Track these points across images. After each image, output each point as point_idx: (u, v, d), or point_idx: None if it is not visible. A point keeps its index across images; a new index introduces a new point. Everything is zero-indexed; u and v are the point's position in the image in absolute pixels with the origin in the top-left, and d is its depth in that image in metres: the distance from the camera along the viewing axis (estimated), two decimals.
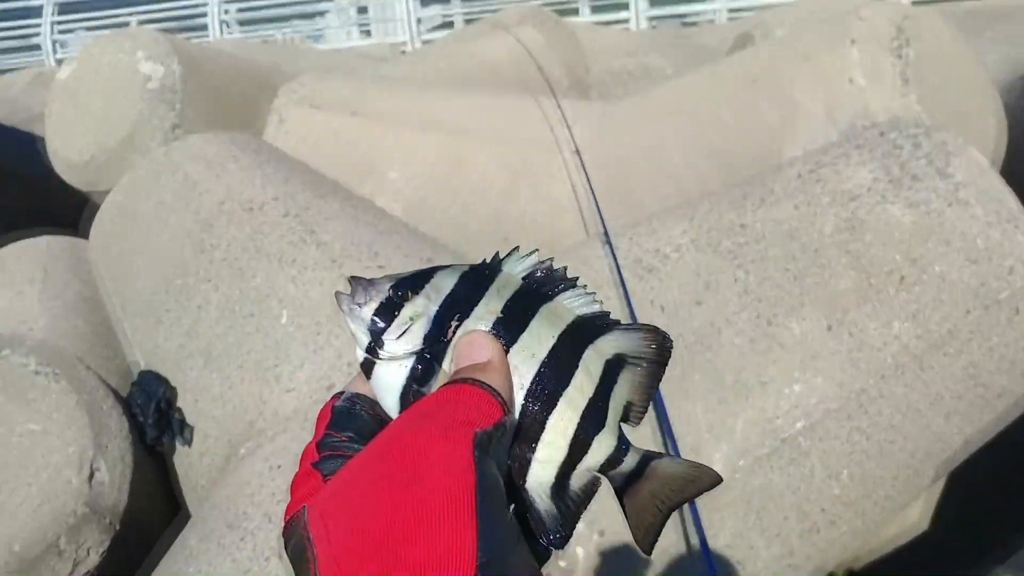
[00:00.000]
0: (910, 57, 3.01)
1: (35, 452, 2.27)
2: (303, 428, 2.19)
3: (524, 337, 0.56)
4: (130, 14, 12.26)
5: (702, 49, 6.21)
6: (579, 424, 0.56)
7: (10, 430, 2.29)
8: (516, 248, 0.59)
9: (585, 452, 0.56)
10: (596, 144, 3.14)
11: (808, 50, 3.08)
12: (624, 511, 0.58)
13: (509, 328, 0.56)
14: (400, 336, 0.55)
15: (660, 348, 0.58)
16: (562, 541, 0.55)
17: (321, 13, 13.60)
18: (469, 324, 0.56)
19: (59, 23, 12.05)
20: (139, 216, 2.83)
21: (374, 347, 0.56)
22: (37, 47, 11.96)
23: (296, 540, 0.50)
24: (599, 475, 0.57)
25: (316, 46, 11.62)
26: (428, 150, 3.28)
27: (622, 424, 0.59)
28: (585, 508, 0.57)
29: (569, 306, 0.57)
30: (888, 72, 2.94)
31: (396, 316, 0.55)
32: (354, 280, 0.57)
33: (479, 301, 0.56)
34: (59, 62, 11.41)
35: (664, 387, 1.92)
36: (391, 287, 0.56)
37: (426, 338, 0.55)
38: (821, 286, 2.01)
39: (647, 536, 0.58)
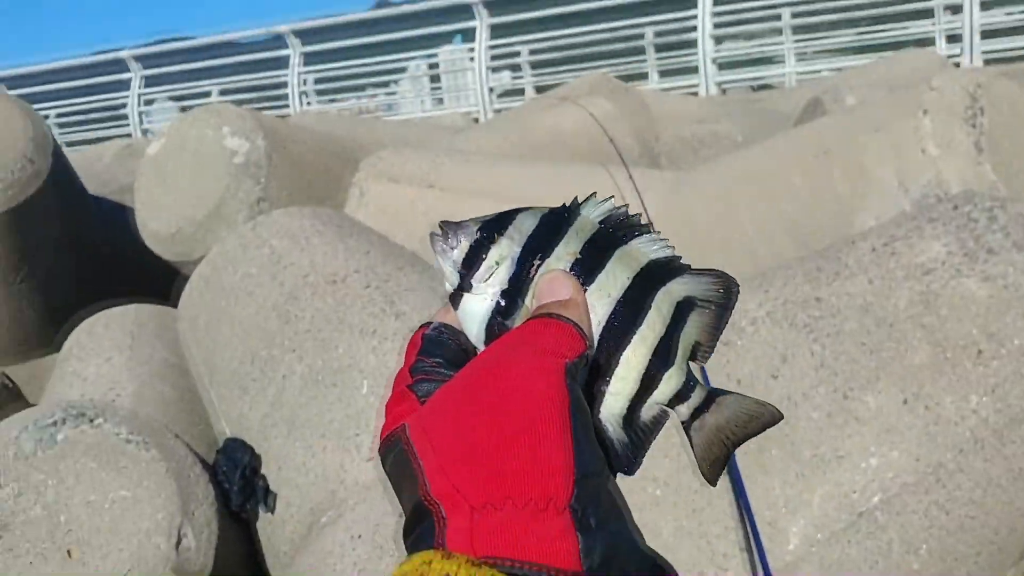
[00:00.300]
0: (984, 126, 3.01)
1: (126, 518, 2.35)
2: (383, 498, 2.24)
3: (601, 277, 0.59)
4: (212, 85, 12.72)
5: (772, 114, 6.25)
6: (650, 360, 0.59)
7: (103, 496, 2.37)
8: (594, 193, 0.63)
9: (654, 386, 0.60)
10: (667, 213, 3.19)
11: (880, 120, 3.11)
12: (691, 443, 0.61)
13: (587, 269, 0.59)
14: (487, 276, 0.60)
15: (727, 292, 0.61)
16: (632, 468, 0.59)
17: (395, 81, 13.94)
18: (550, 263, 0.59)
19: (145, 95, 12.53)
20: (226, 288, 2.94)
21: (462, 284, 0.60)
22: (124, 117, 12.44)
23: (397, 455, 0.53)
24: (667, 408, 0.61)
25: (391, 116, 11.90)
26: None
27: (690, 362, 0.61)
28: (654, 438, 0.60)
29: (643, 250, 0.61)
30: (962, 141, 2.95)
31: (484, 257, 0.60)
32: (445, 224, 0.62)
33: (559, 242, 0.60)
34: (145, 132, 11.86)
35: (741, 461, 1.95)
36: (478, 230, 0.61)
37: (510, 276, 0.60)
38: (896, 360, 2.01)
39: (712, 468, 0.61)
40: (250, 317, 2.79)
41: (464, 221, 0.62)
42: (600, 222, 0.61)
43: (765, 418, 0.61)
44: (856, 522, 1.94)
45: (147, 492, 2.39)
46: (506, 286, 0.60)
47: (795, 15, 10.80)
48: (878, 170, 2.98)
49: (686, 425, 0.61)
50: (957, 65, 8.45)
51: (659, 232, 0.62)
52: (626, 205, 0.62)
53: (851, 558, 1.94)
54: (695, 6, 9.61)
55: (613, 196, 0.63)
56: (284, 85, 11.34)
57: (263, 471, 2.60)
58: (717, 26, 9.88)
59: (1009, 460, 1.98)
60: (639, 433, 0.59)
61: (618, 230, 0.61)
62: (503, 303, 0.59)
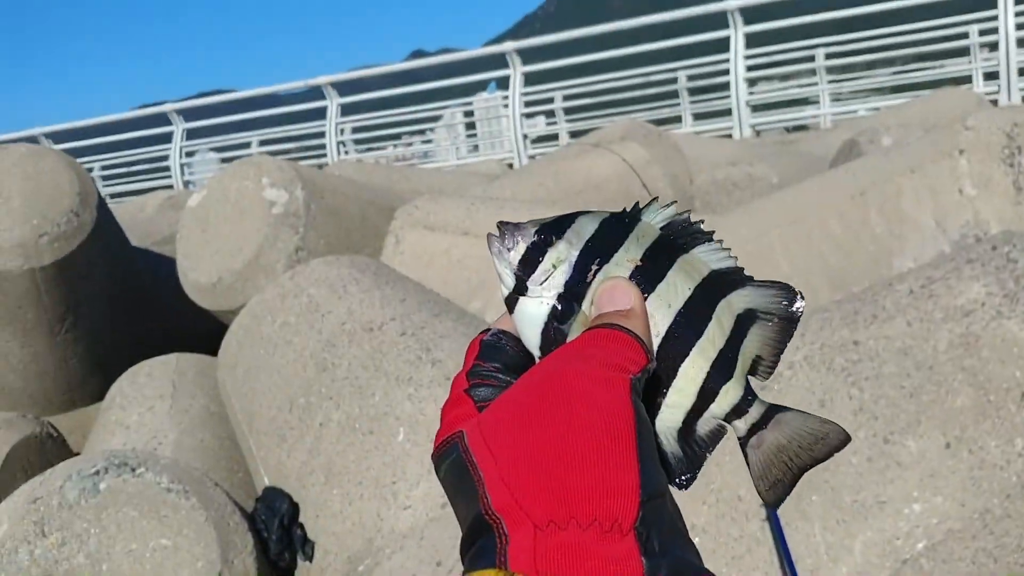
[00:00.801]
0: (1022, 165, 2.99)
1: (167, 566, 2.36)
2: (419, 546, 2.24)
3: (661, 287, 0.58)
4: (251, 136, 12.94)
5: (807, 156, 6.24)
6: (708, 373, 0.58)
7: (144, 545, 2.39)
8: (655, 198, 0.61)
9: (712, 400, 0.58)
10: None
11: (916, 161, 3.09)
12: (747, 461, 0.60)
13: (647, 277, 0.58)
14: (544, 279, 0.59)
15: (791, 305, 0.59)
16: (687, 483, 0.57)
17: (431, 129, 14.11)
18: (610, 270, 0.58)
19: (186, 147, 12.77)
20: (265, 337, 2.97)
21: (519, 287, 0.59)
22: (167, 169, 12.67)
23: (454, 461, 0.51)
24: (724, 423, 0.59)
25: (427, 163, 12.03)
26: None
27: (750, 377, 0.60)
28: (710, 453, 0.58)
29: (704, 259, 0.59)
30: (999, 181, 2.92)
31: (541, 260, 0.59)
32: (503, 224, 0.61)
33: (619, 248, 0.59)
34: (187, 183, 12.06)
35: (781, 509, 1.92)
36: (536, 232, 0.59)
37: (568, 281, 0.58)
38: (937, 403, 1.99)
39: (772, 490, 0.59)
40: (288, 365, 2.82)
41: (522, 223, 0.61)
42: (661, 228, 0.60)
43: (831, 439, 0.59)
44: (900, 569, 1.91)
45: (187, 540, 2.40)
46: (563, 290, 0.58)
47: (829, 56, 10.82)
48: (915, 212, 2.96)
49: (743, 441, 0.60)
50: (995, 103, 8.40)
51: (721, 240, 0.61)
52: (688, 211, 0.61)
53: None
54: (728, 49, 9.64)
55: (676, 201, 0.62)
56: (322, 135, 11.50)
57: (301, 519, 2.61)
58: (750, 68, 9.90)
59: None
60: (695, 448, 0.58)
61: (679, 237, 0.60)
62: (560, 307, 0.58)
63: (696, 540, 1.97)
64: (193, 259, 3.74)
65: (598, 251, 0.59)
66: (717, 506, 2.01)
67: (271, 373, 2.88)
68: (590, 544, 0.44)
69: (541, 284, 0.59)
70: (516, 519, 0.46)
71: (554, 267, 0.59)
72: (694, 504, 2.03)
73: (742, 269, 0.60)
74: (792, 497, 1.80)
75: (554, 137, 11.67)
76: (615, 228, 0.60)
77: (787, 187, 4.08)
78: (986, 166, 2.99)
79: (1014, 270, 2.12)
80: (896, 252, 2.91)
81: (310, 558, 2.54)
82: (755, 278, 0.60)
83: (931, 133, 3.52)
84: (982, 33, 9.93)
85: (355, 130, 11.94)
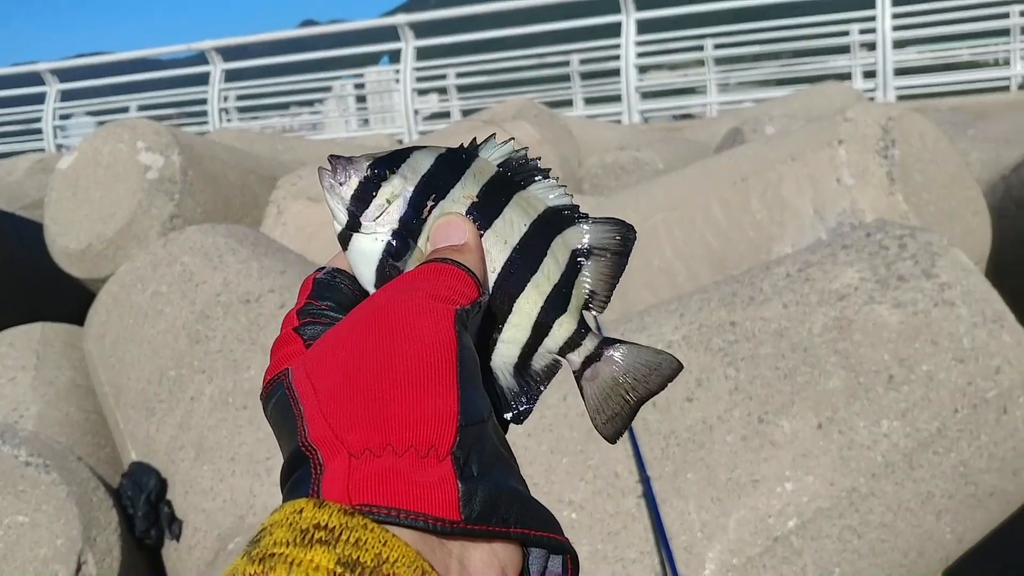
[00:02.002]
0: (896, 157, 3.08)
1: (23, 544, 2.25)
2: None
3: (497, 223, 0.58)
4: (130, 100, 12.49)
5: (693, 144, 6.33)
6: (543, 307, 0.58)
7: None
8: (493, 135, 0.61)
9: (547, 335, 0.58)
10: None
11: (797, 150, 3.16)
12: (583, 394, 0.60)
13: (484, 213, 0.57)
14: (378, 215, 0.57)
15: (624, 240, 0.60)
16: (521, 416, 0.57)
17: (320, 101, 13.85)
18: (445, 206, 0.57)
19: (60, 108, 12.25)
20: (135, 306, 2.85)
21: (352, 223, 0.58)
22: (39, 131, 12.14)
23: (279, 399, 0.50)
24: (559, 357, 0.59)
25: (314, 135, 11.81)
26: None
27: (584, 311, 0.60)
28: (545, 386, 0.59)
29: (541, 196, 0.59)
30: (875, 172, 3.01)
31: (374, 195, 0.57)
32: (334, 158, 0.59)
33: (455, 184, 0.58)
34: (60, 147, 11.57)
35: (657, 485, 1.93)
36: (370, 166, 0.58)
37: (403, 216, 0.57)
38: (811, 385, 2.03)
39: (609, 423, 0.60)
40: (159, 336, 2.71)
41: (356, 156, 0.59)
42: (499, 165, 0.59)
43: (664, 369, 0.59)
44: (772, 547, 1.94)
45: (46, 517, 2.29)
46: (397, 226, 0.57)
47: (717, 46, 11.03)
48: (794, 198, 3.02)
49: (577, 375, 0.60)
50: (872, 100, 8.70)
51: (558, 177, 0.60)
52: (526, 148, 0.60)
53: None
54: (620, 35, 9.73)
55: (513, 138, 0.61)
56: (204, 102, 11.16)
57: (169, 496, 2.52)
58: (641, 55, 10.01)
59: (918, 484, 2.01)
60: (531, 382, 0.58)
61: (517, 174, 0.59)
62: (395, 244, 0.57)
63: (573, 516, 1.97)
64: (62, 224, 3.57)
65: (434, 187, 0.58)
66: (594, 483, 2.01)
67: (141, 344, 2.76)
68: (405, 470, 0.44)
69: (375, 220, 0.57)
70: (332, 449, 0.45)
71: (388, 202, 0.57)
72: (571, 480, 2.03)
73: (578, 206, 0.60)
74: (668, 475, 1.81)
75: (446, 115, 11.60)
76: (451, 164, 0.59)
77: (672, 172, 4.13)
78: (863, 157, 3.07)
79: (886, 257, 2.18)
80: (775, 237, 2.97)
81: (177, 536, 2.46)
82: (589, 215, 0.60)
83: (812, 123, 3.60)
84: (862, 32, 10.27)
85: (240, 98, 11.63)
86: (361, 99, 13.36)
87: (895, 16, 9.18)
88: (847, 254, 2.20)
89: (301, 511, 0.42)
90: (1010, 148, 4.29)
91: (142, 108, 12.22)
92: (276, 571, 0.40)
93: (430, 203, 0.57)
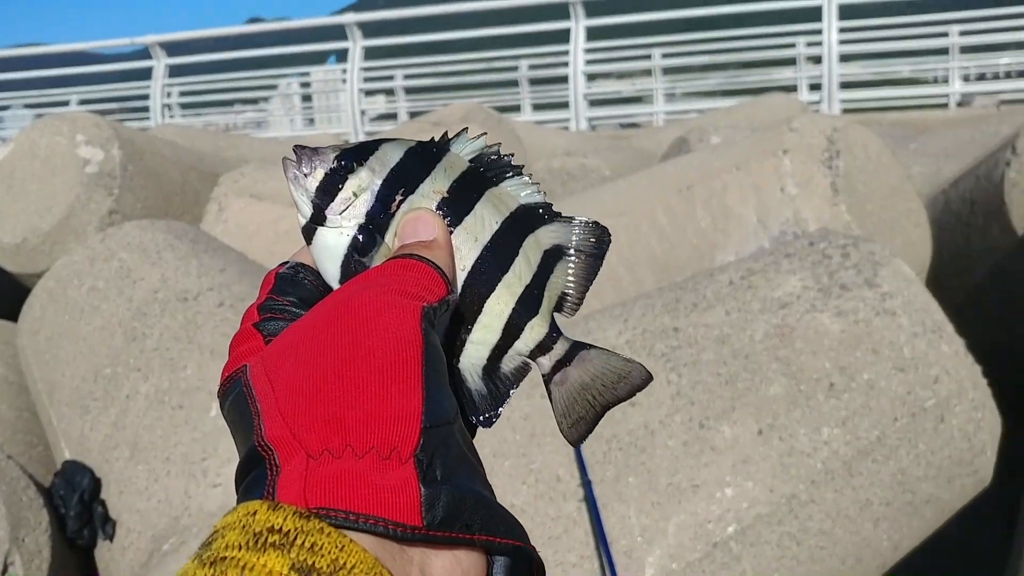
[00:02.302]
0: (840, 168, 3.12)
1: None
2: None
3: (468, 219, 0.56)
4: (70, 94, 12.24)
5: (640, 152, 6.37)
6: (514, 308, 0.56)
7: None
8: (465, 129, 0.59)
9: (517, 336, 0.57)
10: None
11: (742, 159, 3.18)
12: (551, 398, 0.58)
13: (454, 209, 0.56)
14: (343, 208, 0.55)
15: (598, 241, 0.58)
16: (489, 420, 0.56)
17: (265, 99, 13.71)
18: (414, 200, 0.55)
19: None
20: (71, 302, 2.78)
21: (317, 216, 0.55)
22: None
23: (236, 396, 0.49)
24: (529, 360, 0.58)
25: (259, 134, 11.68)
26: None
27: (555, 314, 0.59)
28: (514, 390, 0.57)
29: (513, 193, 0.58)
30: (819, 182, 3.04)
31: (340, 187, 0.55)
32: (299, 148, 0.57)
33: (425, 178, 0.56)
34: None
35: (599, 489, 1.93)
36: (336, 157, 0.56)
37: (370, 210, 0.55)
38: (752, 391, 2.04)
39: (575, 427, 0.58)
40: (95, 333, 2.65)
41: (322, 147, 0.57)
42: (471, 160, 0.58)
43: (633, 378, 0.58)
44: (711, 552, 1.95)
45: None
46: (364, 220, 0.55)
47: (665, 56, 11.12)
48: (739, 207, 3.05)
49: (547, 378, 0.58)
50: (817, 112, 8.83)
51: (531, 175, 0.58)
52: (498, 144, 0.58)
53: None
54: (569, 41, 9.77)
55: (486, 133, 0.59)
56: (147, 97, 10.98)
57: (103, 496, 2.46)
58: (589, 63, 10.06)
59: (857, 491, 2.03)
60: (499, 384, 0.57)
61: (489, 170, 0.57)
62: (361, 239, 0.55)
63: None
64: None
65: (403, 180, 0.56)
66: (536, 486, 2.00)
67: (76, 341, 2.70)
68: (365, 472, 0.42)
69: (341, 213, 0.55)
70: (289, 449, 0.43)
71: (355, 195, 0.55)
72: (513, 484, 2.01)
73: (551, 204, 0.58)
74: (610, 479, 1.80)
75: (394, 116, 11.54)
76: (422, 158, 0.57)
77: (618, 179, 4.14)
78: (807, 167, 3.11)
79: (828, 266, 2.20)
80: (719, 245, 2.99)
81: (111, 537, 2.40)
82: (562, 214, 0.58)
83: (757, 133, 3.63)
84: (808, 45, 10.44)
85: (183, 94, 11.46)
86: (307, 98, 13.25)
87: (841, 31, 9.35)
88: (790, 262, 2.22)
89: (255, 513, 0.41)
90: (950, 163, 4.37)
91: (83, 102, 11.98)
92: (227, 575, 0.38)
93: (399, 197, 0.55)
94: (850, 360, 2.06)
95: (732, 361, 2.08)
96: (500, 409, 0.56)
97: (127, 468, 2.41)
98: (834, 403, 2.03)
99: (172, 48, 11.01)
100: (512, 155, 0.58)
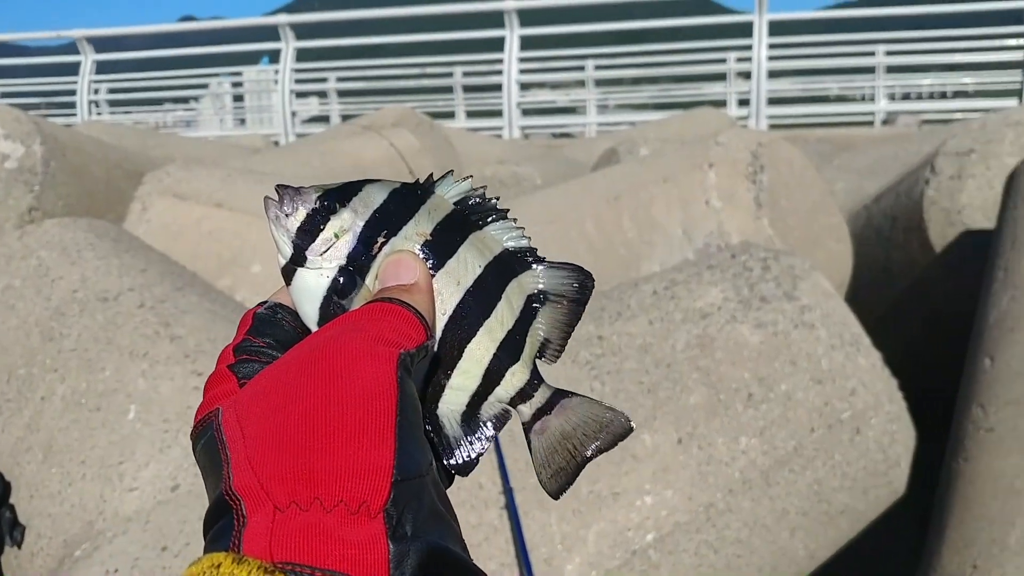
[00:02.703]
0: (764, 182, 3.18)
1: None
2: (144, 530, 2.10)
3: (451, 263, 0.55)
4: None
5: (571, 162, 6.42)
6: (495, 354, 0.56)
7: None
8: (450, 171, 0.58)
9: (498, 383, 0.56)
10: None
11: (669, 172, 3.22)
12: (529, 447, 0.58)
13: (437, 252, 0.55)
14: (324, 249, 0.54)
15: (582, 287, 0.58)
16: (467, 468, 0.55)
17: (196, 99, 13.51)
18: (397, 243, 0.55)
19: None
20: None
21: (297, 257, 0.55)
22: None
23: (207, 440, 0.48)
24: (509, 407, 0.57)
25: (189, 133, 11.50)
26: None
27: (538, 360, 0.58)
28: (493, 438, 0.56)
29: (498, 237, 0.57)
30: (743, 196, 3.09)
31: (322, 228, 0.54)
32: (281, 188, 0.56)
33: (408, 220, 0.55)
34: None
35: (519, 497, 1.93)
36: (319, 197, 0.55)
37: (351, 252, 0.54)
38: (673, 400, 2.07)
39: (554, 478, 0.58)
40: (10, 333, 2.58)
41: (304, 187, 0.56)
42: (455, 203, 0.57)
43: (615, 428, 0.58)
44: (630, 560, 1.97)
45: None
46: (345, 262, 0.54)
47: (599, 67, 11.22)
48: (665, 219, 3.09)
49: (527, 427, 0.58)
50: (745, 127, 8.99)
51: (516, 219, 0.58)
52: (483, 187, 0.58)
53: None
54: (503, 50, 9.80)
55: (471, 176, 0.59)
56: (73, 93, 10.73)
57: (12, 500, 2.39)
58: (524, 71, 10.10)
59: (774, 501, 2.06)
60: (478, 432, 0.56)
61: (473, 213, 0.57)
62: (341, 281, 0.54)
63: None
64: None
65: (386, 222, 0.55)
66: (457, 493, 1.99)
67: None
68: (333, 527, 0.42)
69: (321, 255, 0.54)
70: (256, 500, 0.43)
71: (336, 236, 0.55)
72: None
73: (535, 249, 0.58)
74: (531, 486, 1.81)
75: (326, 119, 11.45)
76: (405, 199, 0.56)
77: (549, 188, 4.17)
78: (732, 181, 3.16)
79: (749, 278, 2.24)
80: (645, 256, 3.02)
81: (19, 543, 2.33)
82: (547, 259, 0.58)
83: (685, 146, 3.68)
84: (738, 60, 10.62)
85: (111, 91, 11.23)
86: (239, 98, 13.08)
87: (771, 47, 9.53)
88: (712, 274, 2.25)
89: (219, 566, 0.40)
90: (872, 179, 4.48)
91: (5, 96, 11.68)
92: None
93: (380, 239, 0.55)
94: (768, 371, 2.10)
95: (654, 370, 2.10)
96: (478, 457, 0.55)
97: (40, 471, 2.35)
98: (752, 413, 2.06)
99: (100, 43, 10.79)
100: (498, 198, 0.58)
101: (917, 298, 3.62)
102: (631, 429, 0.59)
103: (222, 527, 0.43)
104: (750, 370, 2.09)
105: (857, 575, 2.80)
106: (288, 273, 0.55)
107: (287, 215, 0.55)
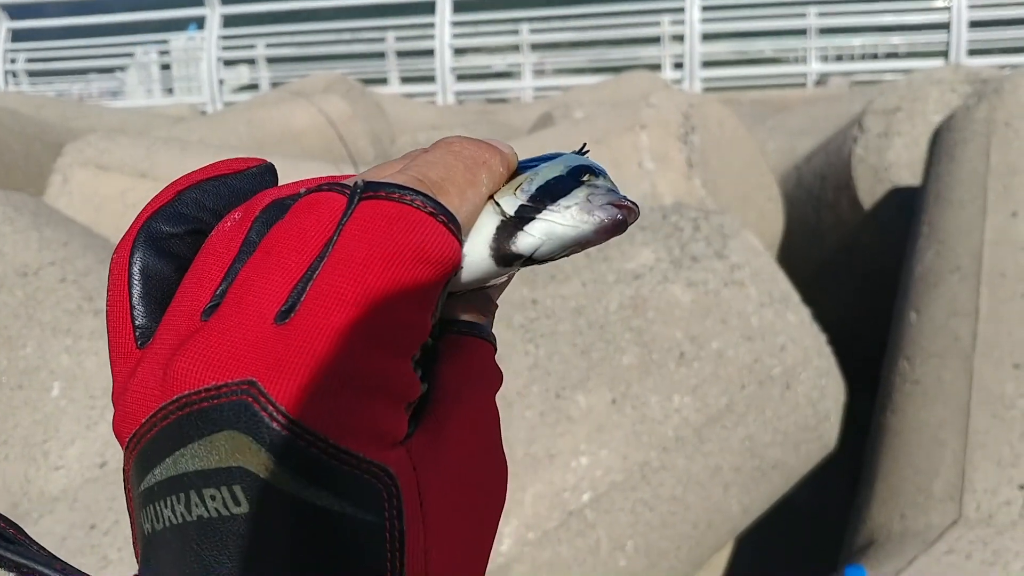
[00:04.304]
0: (695, 143, 3.19)
1: None
2: (72, 509, 2.05)
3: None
4: None
5: (506, 127, 6.38)
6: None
7: None
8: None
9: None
10: None
11: (602, 134, 3.21)
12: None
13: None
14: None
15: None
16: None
17: (121, 68, 13.16)
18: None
19: None
20: None
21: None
22: None
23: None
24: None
25: (115, 104, 11.22)
26: None
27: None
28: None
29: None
30: (675, 157, 3.10)
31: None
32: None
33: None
34: None
35: None
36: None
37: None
38: (606, 361, 2.07)
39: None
40: None
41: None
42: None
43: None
44: (567, 521, 1.97)
45: None
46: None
47: (533, 31, 11.16)
48: None
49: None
50: (680, 90, 9.02)
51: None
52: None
53: (562, 557, 1.96)
54: (434, 13, 9.69)
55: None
56: None
57: None
58: (457, 36, 10.01)
59: (707, 457, 2.08)
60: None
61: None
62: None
63: None
64: None
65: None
66: None
67: None
68: None
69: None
70: None
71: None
72: None
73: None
74: None
75: (256, 87, 11.25)
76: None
77: None
78: (664, 143, 3.16)
79: (680, 238, 2.24)
80: None
81: None
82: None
83: (617, 109, 3.67)
84: (672, 24, 10.64)
85: (30, 60, 10.89)
86: (166, 67, 12.78)
87: (703, 9, 9.56)
88: (644, 235, 2.25)
89: None
90: (804, 140, 4.52)
91: None
92: None
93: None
94: (700, 330, 2.11)
95: (587, 332, 2.10)
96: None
97: None
98: (684, 371, 2.07)
99: (15, 10, 10.45)
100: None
101: (847, 255, 3.67)
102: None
103: None
104: (682, 329, 2.10)
105: (792, 530, 2.85)
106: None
107: None
